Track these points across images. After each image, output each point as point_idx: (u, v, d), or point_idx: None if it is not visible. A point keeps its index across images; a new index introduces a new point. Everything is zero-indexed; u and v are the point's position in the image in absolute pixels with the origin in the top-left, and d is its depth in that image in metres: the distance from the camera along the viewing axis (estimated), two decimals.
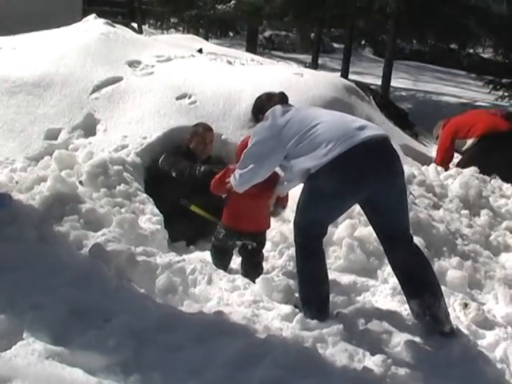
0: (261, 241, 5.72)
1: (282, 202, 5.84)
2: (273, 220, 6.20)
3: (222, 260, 5.72)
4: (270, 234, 5.93)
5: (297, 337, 4.25)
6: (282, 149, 4.75)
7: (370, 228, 5.68)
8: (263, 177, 5.00)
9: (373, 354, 4.17)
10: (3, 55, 8.61)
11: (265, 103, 5.23)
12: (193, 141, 6.96)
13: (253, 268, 5.59)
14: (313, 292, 4.73)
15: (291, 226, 5.49)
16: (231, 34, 33.85)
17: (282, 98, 5.24)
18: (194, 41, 12.73)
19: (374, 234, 5.61)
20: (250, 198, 5.41)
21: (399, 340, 4.48)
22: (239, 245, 5.68)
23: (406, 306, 4.98)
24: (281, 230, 5.96)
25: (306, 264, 4.76)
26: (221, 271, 5.27)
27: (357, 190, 4.59)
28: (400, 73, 24.88)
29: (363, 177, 4.50)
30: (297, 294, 5.00)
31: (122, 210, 5.88)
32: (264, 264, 5.64)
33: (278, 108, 4.96)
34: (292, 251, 5.40)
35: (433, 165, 8.08)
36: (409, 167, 7.32)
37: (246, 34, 27.63)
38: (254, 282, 5.18)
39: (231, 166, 5.58)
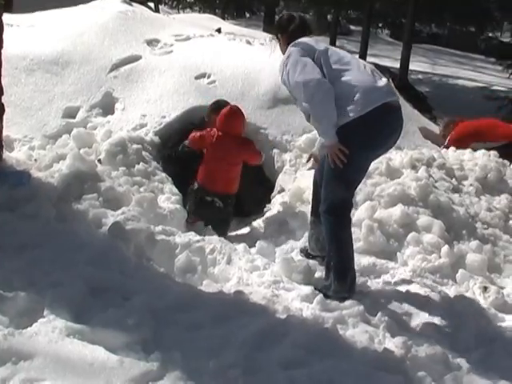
0: (228, 202, 6.35)
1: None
2: (292, 201, 6.19)
3: (196, 208, 6.26)
4: (290, 211, 5.95)
5: (317, 318, 4.25)
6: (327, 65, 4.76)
7: (391, 210, 5.72)
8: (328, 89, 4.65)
9: (393, 336, 4.18)
10: (21, 33, 8.56)
11: (285, 24, 5.22)
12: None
13: (220, 224, 6.15)
14: (348, 262, 4.80)
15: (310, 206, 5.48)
16: (247, 14, 33.63)
17: (302, 23, 5.22)
18: (211, 20, 12.61)
19: (395, 216, 5.63)
20: (220, 162, 6.16)
21: (419, 322, 4.49)
22: (209, 200, 6.22)
23: (426, 289, 4.98)
24: (300, 210, 5.93)
25: (343, 234, 4.83)
26: (240, 251, 5.26)
27: (382, 146, 4.87)
28: (417, 56, 24.72)
29: (391, 135, 4.82)
30: (317, 275, 5.00)
31: (141, 189, 5.88)
32: (284, 244, 5.63)
33: (309, 39, 4.99)
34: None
35: (452, 148, 7.99)
36: (428, 150, 7.26)
37: (262, 15, 27.46)
38: (220, 236, 5.61)
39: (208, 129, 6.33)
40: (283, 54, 5.05)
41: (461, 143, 8.30)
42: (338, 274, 4.74)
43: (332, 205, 4.75)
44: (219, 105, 6.75)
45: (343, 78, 4.67)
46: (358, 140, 4.60)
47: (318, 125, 4.79)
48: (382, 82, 4.77)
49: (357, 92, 4.60)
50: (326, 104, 4.59)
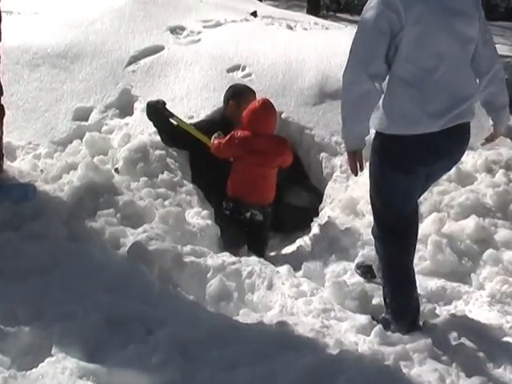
0: (268, 212, 6.41)
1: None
2: (343, 214, 6.16)
3: (234, 235, 6.17)
4: (341, 226, 5.91)
5: (376, 353, 4.18)
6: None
7: (462, 223, 5.65)
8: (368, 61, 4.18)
9: (468, 376, 4.07)
10: (23, 21, 8.67)
11: None
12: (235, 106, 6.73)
13: (258, 241, 6.24)
14: (406, 299, 4.65)
15: (366, 220, 5.44)
16: None
17: None
18: (245, 2, 12.67)
19: (467, 230, 5.57)
20: (256, 168, 6.14)
21: (501, 359, 4.35)
22: (248, 217, 6.21)
23: (508, 318, 4.89)
24: (353, 224, 5.90)
25: (396, 265, 4.67)
26: (283, 274, 5.25)
27: (421, 171, 4.54)
28: (493, 36, 24.49)
29: (437, 162, 4.51)
30: (374, 301, 4.95)
31: (166, 203, 5.90)
32: (335, 265, 5.59)
33: None
34: (368, 250, 5.36)
35: None
36: (507, 150, 7.17)
37: None
38: (259, 256, 5.66)
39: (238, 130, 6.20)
40: None
41: None
42: (395, 314, 4.63)
43: (381, 229, 4.67)
44: (237, 90, 6.80)
45: (406, 85, 4.26)
46: (388, 160, 4.43)
47: (342, 122, 4.46)
48: (461, 100, 4.33)
49: (410, 107, 4.26)
50: (361, 109, 4.28)
